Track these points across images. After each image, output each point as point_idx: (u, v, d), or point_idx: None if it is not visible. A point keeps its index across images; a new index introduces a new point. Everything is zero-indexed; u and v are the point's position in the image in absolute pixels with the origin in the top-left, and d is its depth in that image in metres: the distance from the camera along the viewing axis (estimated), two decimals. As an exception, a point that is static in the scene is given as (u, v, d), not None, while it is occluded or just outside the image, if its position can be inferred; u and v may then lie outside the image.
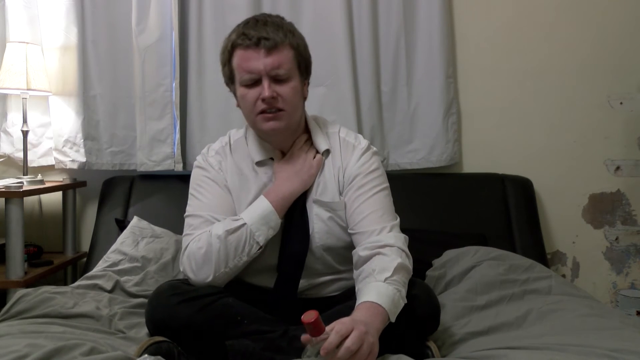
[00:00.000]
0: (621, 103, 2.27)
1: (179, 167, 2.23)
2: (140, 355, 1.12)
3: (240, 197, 1.40)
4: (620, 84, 2.26)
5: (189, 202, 1.42)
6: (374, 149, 1.46)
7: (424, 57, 2.23)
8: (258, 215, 1.32)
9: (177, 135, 2.24)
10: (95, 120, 2.27)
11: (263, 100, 1.30)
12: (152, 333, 1.25)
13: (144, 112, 2.21)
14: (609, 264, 2.30)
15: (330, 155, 1.43)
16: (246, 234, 1.30)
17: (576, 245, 2.30)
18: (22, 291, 1.43)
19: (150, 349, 1.15)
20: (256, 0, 2.20)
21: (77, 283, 1.64)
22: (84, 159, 2.25)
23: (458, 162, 2.29)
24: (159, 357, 1.12)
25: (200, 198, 1.40)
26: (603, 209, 2.29)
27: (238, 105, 1.41)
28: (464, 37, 2.29)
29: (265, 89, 1.29)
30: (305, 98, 1.42)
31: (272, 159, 1.42)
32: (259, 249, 1.32)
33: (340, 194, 1.40)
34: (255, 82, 1.31)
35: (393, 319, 1.15)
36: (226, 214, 1.36)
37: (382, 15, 2.22)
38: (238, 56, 1.32)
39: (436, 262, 1.78)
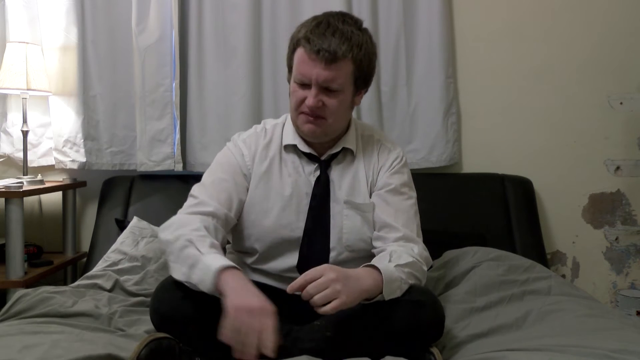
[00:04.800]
0: (621, 103, 2.27)
1: (179, 167, 2.23)
2: (140, 352, 1.12)
3: (261, 181, 1.41)
4: (620, 84, 2.26)
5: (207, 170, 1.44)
6: (404, 158, 1.50)
7: (424, 57, 2.24)
8: (204, 267, 1.17)
9: (177, 135, 2.25)
10: (95, 120, 2.27)
11: (307, 105, 1.33)
12: (156, 326, 1.24)
13: (144, 112, 2.21)
14: (609, 264, 2.30)
15: (359, 156, 1.45)
16: (191, 265, 1.21)
17: (576, 245, 2.30)
18: (21, 291, 1.43)
19: (150, 345, 1.14)
20: (256, 0, 2.20)
21: (76, 283, 1.64)
22: (84, 159, 2.25)
23: (458, 162, 2.29)
24: None
25: (206, 177, 1.41)
26: (603, 209, 2.29)
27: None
28: (464, 37, 2.29)
29: (311, 97, 1.32)
30: (354, 106, 1.45)
31: (304, 153, 1.43)
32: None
33: (370, 195, 1.43)
34: (307, 85, 1.33)
35: (385, 296, 1.18)
36: (219, 201, 1.35)
37: (382, 15, 2.22)
38: (298, 55, 1.34)
39: (436, 263, 1.78)
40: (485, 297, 1.48)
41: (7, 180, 2.10)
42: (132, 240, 1.87)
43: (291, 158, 1.44)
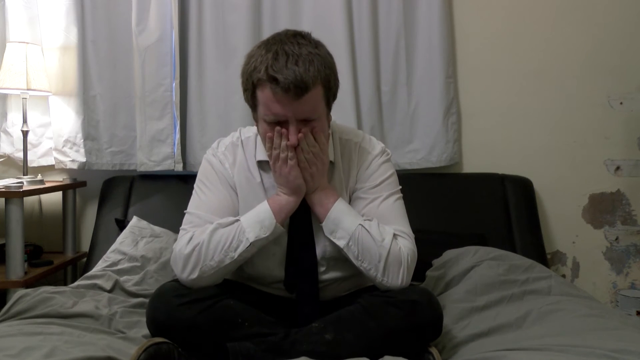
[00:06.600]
0: (621, 103, 2.27)
1: (179, 167, 2.23)
2: (139, 357, 1.12)
3: (247, 199, 1.36)
4: (620, 84, 2.26)
5: (192, 196, 1.39)
6: (387, 154, 1.43)
7: (424, 57, 2.23)
8: (254, 214, 1.30)
9: (177, 135, 2.24)
10: (95, 120, 2.27)
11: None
12: (153, 334, 1.25)
13: (144, 112, 2.21)
14: (609, 264, 2.30)
15: (337, 164, 1.39)
16: (236, 230, 1.27)
17: (576, 245, 2.30)
18: (21, 291, 1.43)
19: (149, 350, 1.14)
20: (256, 0, 2.20)
21: (76, 283, 1.64)
22: (84, 159, 2.25)
23: (458, 162, 2.29)
24: None
25: (201, 196, 1.37)
26: (603, 209, 2.29)
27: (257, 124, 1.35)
28: (464, 37, 2.29)
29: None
30: (329, 122, 1.36)
31: None
32: (248, 247, 1.27)
33: (349, 201, 1.38)
34: (279, 122, 1.25)
35: (324, 225, 1.30)
36: (225, 215, 1.32)
37: (382, 15, 2.22)
38: (264, 95, 1.23)
39: (436, 262, 1.78)
40: (485, 296, 1.48)
41: (7, 180, 2.10)
42: (131, 240, 1.87)
43: (266, 173, 1.37)
